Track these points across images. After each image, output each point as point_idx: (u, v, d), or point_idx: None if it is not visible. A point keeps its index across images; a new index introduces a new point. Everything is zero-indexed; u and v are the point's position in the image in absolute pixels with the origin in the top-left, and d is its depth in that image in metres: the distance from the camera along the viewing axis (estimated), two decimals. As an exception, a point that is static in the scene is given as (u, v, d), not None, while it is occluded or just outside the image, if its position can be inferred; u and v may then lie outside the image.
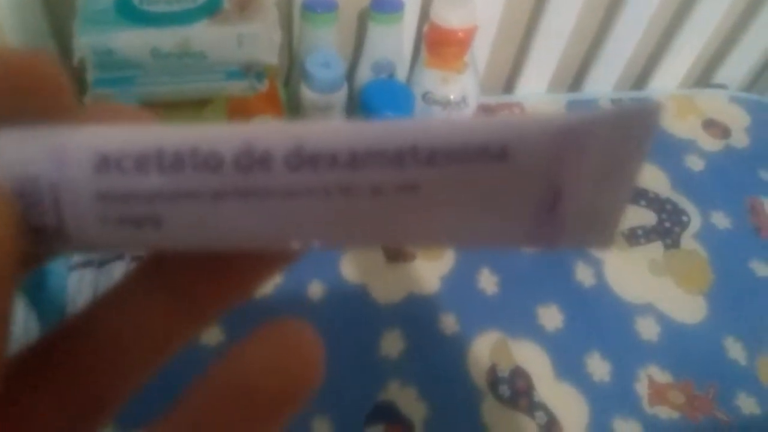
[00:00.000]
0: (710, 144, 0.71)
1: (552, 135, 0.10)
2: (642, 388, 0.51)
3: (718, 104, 0.76)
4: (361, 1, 0.64)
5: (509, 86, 0.78)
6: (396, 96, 0.60)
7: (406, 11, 0.61)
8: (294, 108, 0.62)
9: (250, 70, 0.51)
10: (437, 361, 0.51)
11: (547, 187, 0.10)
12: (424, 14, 0.63)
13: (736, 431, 0.50)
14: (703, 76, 0.82)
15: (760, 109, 0.76)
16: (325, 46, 0.60)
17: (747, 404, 0.51)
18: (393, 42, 0.63)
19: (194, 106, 0.52)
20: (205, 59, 0.49)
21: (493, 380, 0.50)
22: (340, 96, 0.59)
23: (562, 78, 0.78)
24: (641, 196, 0.64)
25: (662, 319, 0.56)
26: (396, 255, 0.57)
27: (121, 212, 0.10)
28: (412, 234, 0.11)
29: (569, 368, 0.52)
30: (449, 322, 0.53)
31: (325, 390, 0.44)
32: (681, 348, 0.54)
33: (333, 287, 0.54)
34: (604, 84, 0.77)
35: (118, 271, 0.51)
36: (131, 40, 0.47)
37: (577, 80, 0.79)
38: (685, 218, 0.63)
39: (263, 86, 0.52)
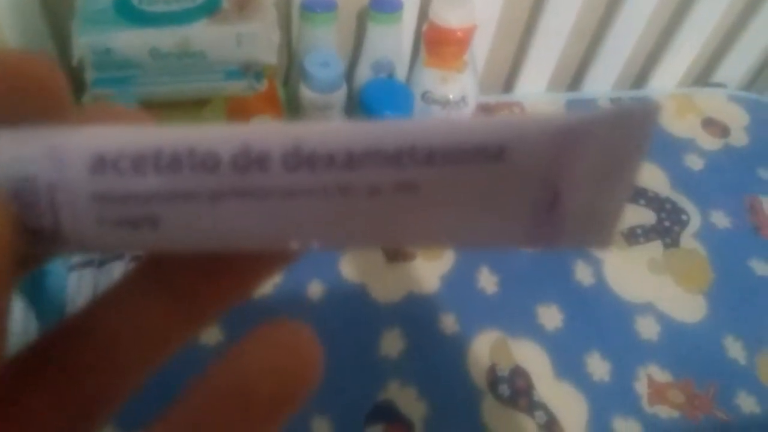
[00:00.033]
0: (709, 143, 0.71)
1: (550, 135, 0.10)
2: (642, 387, 0.51)
3: (717, 103, 0.76)
4: (360, 0, 0.64)
5: (508, 85, 0.77)
6: (395, 95, 0.60)
7: (405, 11, 0.61)
8: (293, 108, 0.62)
9: (249, 70, 0.51)
10: (437, 361, 0.51)
11: (545, 186, 0.10)
12: (423, 14, 0.63)
13: (736, 430, 0.50)
14: (702, 75, 0.82)
15: (759, 108, 0.76)
16: (324, 45, 0.60)
17: (747, 403, 0.51)
18: (392, 41, 0.63)
19: (193, 106, 0.52)
20: (204, 59, 0.49)
21: (493, 380, 0.50)
22: (340, 96, 0.59)
23: (562, 77, 0.78)
24: (640, 195, 0.64)
25: (662, 319, 0.56)
26: (396, 255, 0.57)
27: (118, 213, 0.10)
28: (410, 234, 0.11)
29: (569, 367, 0.52)
30: (449, 322, 0.53)
31: (325, 390, 0.44)
32: (681, 347, 0.54)
33: (333, 287, 0.54)
34: (603, 83, 0.77)
35: (117, 271, 0.51)
36: (130, 40, 0.47)
37: (576, 79, 0.79)
38: (684, 217, 0.63)
39: (262, 86, 0.52)
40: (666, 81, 0.78)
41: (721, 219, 0.64)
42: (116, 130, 0.10)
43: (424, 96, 0.63)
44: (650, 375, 0.52)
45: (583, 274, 0.58)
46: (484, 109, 0.71)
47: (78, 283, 0.50)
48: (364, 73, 0.64)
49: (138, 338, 0.12)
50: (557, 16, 0.68)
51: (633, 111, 0.10)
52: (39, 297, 0.48)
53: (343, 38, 0.67)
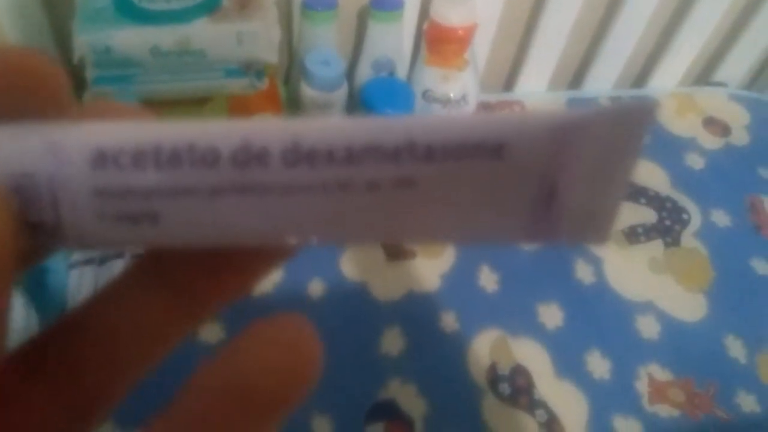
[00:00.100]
0: (710, 142, 0.71)
1: (548, 132, 0.10)
2: (642, 386, 0.51)
3: (718, 102, 0.76)
4: (361, -1, 0.64)
5: (509, 84, 0.77)
6: (396, 94, 0.61)
7: (406, 9, 0.61)
8: (294, 106, 0.62)
9: (250, 68, 0.51)
10: (437, 359, 0.51)
11: (543, 183, 0.11)
12: (424, 12, 0.63)
13: (736, 429, 0.50)
14: (703, 74, 0.82)
15: (759, 107, 0.76)
16: (325, 44, 0.60)
17: (747, 402, 0.51)
18: (393, 40, 0.63)
19: (194, 105, 0.52)
20: (205, 57, 0.49)
21: (494, 378, 0.50)
22: (340, 94, 0.59)
23: (562, 76, 0.78)
24: (641, 194, 0.64)
25: (662, 317, 0.56)
26: (396, 253, 0.57)
27: (119, 208, 0.10)
28: (409, 230, 0.11)
29: (569, 366, 0.52)
30: (449, 320, 0.53)
31: (325, 388, 0.44)
32: (681, 346, 0.54)
33: (333, 285, 0.54)
34: (604, 82, 0.77)
35: (118, 268, 0.51)
36: (130, 39, 0.47)
37: (577, 78, 0.79)
38: (685, 216, 0.63)
39: (263, 84, 0.52)
40: (667, 80, 0.78)
41: (721, 218, 0.64)
42: (116, 125, 0.11)
43: (425, 94, 0.63)
44: (651, 374, 0.52)
45: (583, 272, 0.58)
46: (485, 107, 0.71)
47: (79, 280, 0.50)
48: (364, 72, 0.64)
49: (137, 334, 0.12)
50: (558, 15, 0.68)
51: (631, 109, 0.10)
52: (40, 295, 0.48)
53: (344, 37, 0.67)
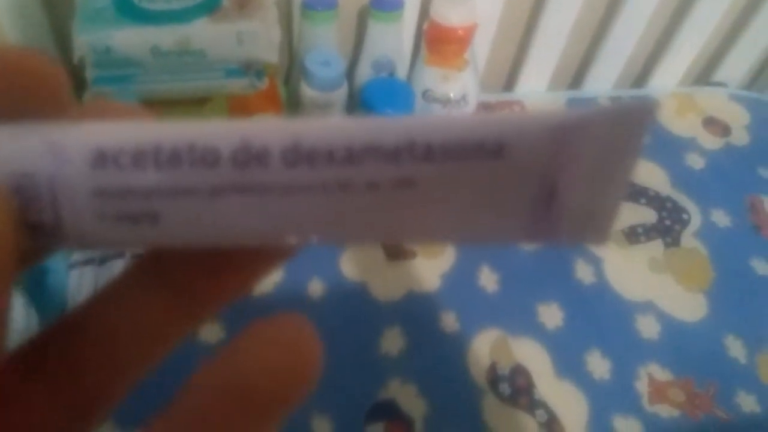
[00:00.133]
0: (710, 142, 0.71)
1: (548, 132, 0.10)
2: (642, 386, 0.51)
3: (718, 102, 0.76)
4: (361, -1, 0.64)
5: (509, 84, 0.77)
6: (396, 94, 0.61)
7: (406, 9, 0.61)
8: (294, 106, 0.62)
9: (250, 68, 0.51)
10: (437, 359, 0.51)
11: (543, 183, 0.11)
12: (424, 12, 0.63)
13: (737, 429, 0.50)
14: (703, 74, 0.82)
15: (760, 107, 0.76)
16: (325, 44, 0.60)
17: (747, 402, 0.51)
18: (393, 40, 0.63)
19: (194, 105, 0.52)
20: (205, 57, 0.49)
21: (494, 378, 0.50)
22: (340, 94, 0.59)
23: (562, 76, 0.78)
24: (641, 194, 0.64)
25: (662, 317, 0.56)
26: (396, 253, 0.57)
27: (119, 208, 0.10)
28: (409, 230, 0.11)
29: (569, 366, 0.52)
30: (449, 320, 0.53)
31: (325, 388, 0.44)
32: (681, 346, 0.54)
33: (333, 285, 0.54)
34: (604, 82, 0.77)
35: (118, 268, 0.51)
36: (130, 39, 0.47)
37: (577, 78, 0.79)
38: (685, 216, 0.63)
39: (263, 84, 0.52)
40: (667, 80, 0.78)
41: (721, 218, 0.64)
42: (116, 125, 0.11)
43: (425, 94, 0.63)
44: (651, 374, 0.52)
45: (583, 272, 0.58)
46: (485, 107, 0.71)
47: (79, 281, 0.50)
48: (364, 72, 0.64)
49: (137, 334, 0.12)
50: (558, 15, 0.68)
51: (631, 109, 0.10)
52: (40, 295, 0.48)
53: (344, 36, 0.67)
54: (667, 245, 0.61)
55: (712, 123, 0.73)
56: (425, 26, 0.61)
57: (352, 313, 0.53)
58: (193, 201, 0.10)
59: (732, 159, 0.69)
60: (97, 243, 0.11)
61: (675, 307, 0.56)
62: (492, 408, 0.49)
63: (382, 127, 0.10)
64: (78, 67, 0.48)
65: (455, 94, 0.62)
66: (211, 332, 0.50)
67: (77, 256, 0.52)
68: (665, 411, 0.50)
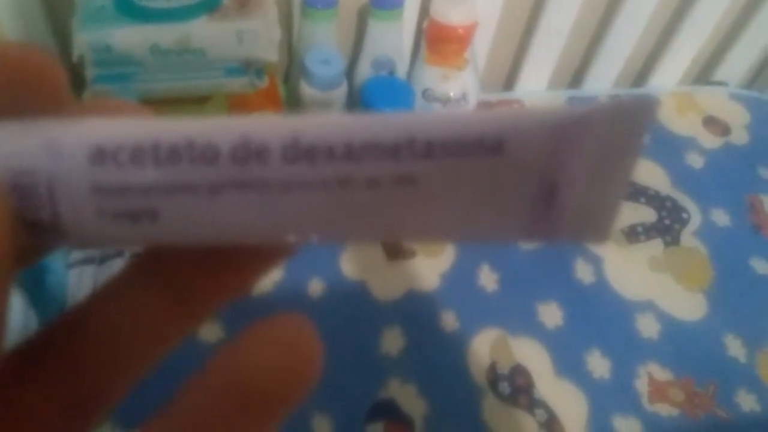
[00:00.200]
0: (710, 141, 0.71)
1: (548, 129, 0.10)
2: (642, 385, 0.51)
3: (718, 101, 0.76)
4: (361, -3, 0.64)
5: (509, 83, 0.77)
6: (396, 93, 0.60)
7: (406, 8, 0.61)
8: (294, 105, 0.62)
9: (250, 67, 0.51)
10: (437, 359, 0.51)
11: (543, 181, 0.10)
12: (424, 11, 0.63)
13: (736, 428, 0.50)
14: (703, 74, 0.82)
15: (760, 107, 0.76)
16: (324, 42, 0.60)
17: (747, 401, 0.51)
18: (393, 39, 0.63)
19: (194, 103, 0.52)
20: (205, 56, 0.49)
21: (493, 377, 0.50)
22: (340, 93, 0.59)
23: (562, 75, 0.78)
24: (641, 193, 0.64)
25: (662, 317, 0.56)
26: (396, 252, 0.57)
27: (118, 206, 0.10)
28: (409, 228, 0.11)
29: (569, 365, 0.52)
30: (449, 320, 0.53)
31: (325, 387, 0.44)
32: (681, 345, 0.54)
33: (333, 284, 0.54)
34: (604, 81, 0.77)
35: (118, 267, 0.51)
36: (130, 37, 0.47)
37: (576, 77, 0.79)
38: (685, 215, 0.63)
39: (263, 83, 0.52)
40: (667, 79, 0.78)
41: (721, 217, 0.64)
42: (115, 122, 0.10)
43: (425, 93, 0.63)
44: (650, 373, 0.52)
45: (583, 272, 0.58)
46: (485, 106, 0.71)
47: (78, 280, 0.50)
48: (364, 71, 0.64)
49: (137, 333, 0.12)
50: (558, 14, 0.68)
51: (631, 106, 0.10)
52: (39, 294, 0.48)
53: (344, 35, 0.66)
54: (666, 244, 0.61)
55: (712, 122, 0.73)
56: (425, 25, 0.61)
57: (352, 313, 0.53)
58: (192, 198, 0.10)
59: (732, 158, 0.69)
60: (96, 241, 0.11)
61: (675, 306, 0.56)
62: (492, 407, 0.49)
63: (381, 123, 0.10)
64: (78, 65, 0.48)
65: (455, 93, 0.62)
66: (211, 332, 0.50)
67: (76, 254, 0.52)
68: (665, 410, 0.50)
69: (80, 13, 0.48)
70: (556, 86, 0.77)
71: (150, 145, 0.10)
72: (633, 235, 0.61)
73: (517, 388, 0.50)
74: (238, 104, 0.52)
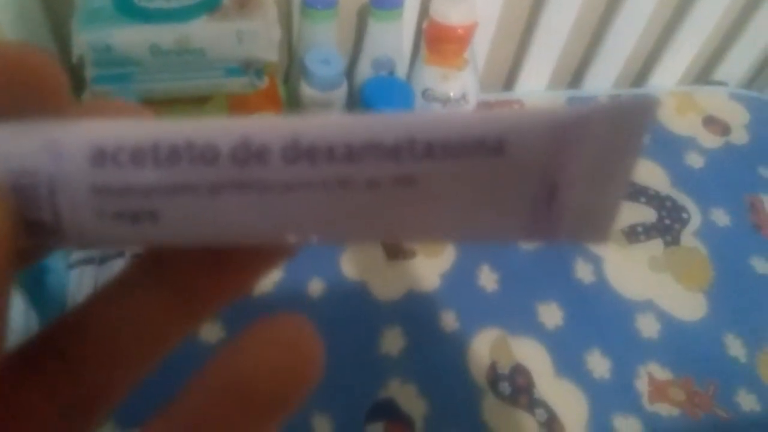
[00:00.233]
0: (710, 141, 0.71)
1: (549, 129, 0.10)
2: (642, 385, 0.51)
3: (718, 101, 0.76)
4: (361, -2, 0.64)
5: (509, 83, 0.77)
6: (396, 93, 0.60)
7: (405, 8, 0.61)
8: (293, 105, 0.62)
9: (250, 67, 0.51)
10: (437, 359, 0.51)
11: (543, 181, 0.10)
12: (424, 11, 0.63)
13: (737, 428, 0.50)
14: (703, 73, 0.82)
15: (759, 106, 0.76)
16: (324, 42, 0.60)
17: (747, 401, 0.51)
18: (393, 39, 0.63)
19: (194, 104, 0.52)
20: (205, 56, 0.49)
21: (494, 377, 0.50)
22: (340, 93, 0.59)
23: (562, 75, 0.78)
24: (641, 193, 0.64)
25: (662, 316, 0.56)
26: (396, 252, 0.57)
27: (118, 206, 0.10)
28: (409, 228, 0.11)
29: (569, 365, 0.52)
30: (449, 320, 0.53)
31: (325, 387, 0.44)
32: (681, 345, 0.54)
33: (333, 284, 0.54)
34: (603, 81, 0.77)
35: (118, 268, 0.51)
36: (130, 37, 0.47)
37: (576, 77, 0.79)
38: (685, 215, 0.63)
39: (263, 83, 0.52)
40: (666, 79, 0.78)
41: (721, 217, 0.64)
42: (115, 123, 0.10)
43: (425, 93, 0.63)
44: (651, 373, 0.52)
45: (583, 272, 0.58)
46: (485, 106, 0.71)
47: (79, 280, 0.50)
48: (364, 71, 0.64)
49: (137, 333, 0.12)
50: (558, 14, 0.68)
51: (631, 106, 0.10)
52: (40, 295, 0.48)
53: (344, 35, 0.66)
54: (666, 244, 0.61)
55: (711, 122, 0.73)
56: (425, 25, 0.61)
57: (352, 313, 0.53)
58: (193, 199, 0.10)
59: (732, 158, 0.69)
60: (97, 241, 0.11)
61: (675, 306, 0.56)
62: (492, 407, 0.49)
63: (382, 124, 0.10)
64: (77, 65, 0.48)
65: (455, 93, 0.62)
66: (211, 332, 0.50)
67: (77, 255, 0.52)
68: (665, 410, 0.50)
69: (80, 14, 0.48)
70: (556, 86, 0.77)
71: (150, 145, 0.10)
72: (633, 235, 0.61)
73: (518, 388, 0.50)
74: (238, 104, 0.52)
